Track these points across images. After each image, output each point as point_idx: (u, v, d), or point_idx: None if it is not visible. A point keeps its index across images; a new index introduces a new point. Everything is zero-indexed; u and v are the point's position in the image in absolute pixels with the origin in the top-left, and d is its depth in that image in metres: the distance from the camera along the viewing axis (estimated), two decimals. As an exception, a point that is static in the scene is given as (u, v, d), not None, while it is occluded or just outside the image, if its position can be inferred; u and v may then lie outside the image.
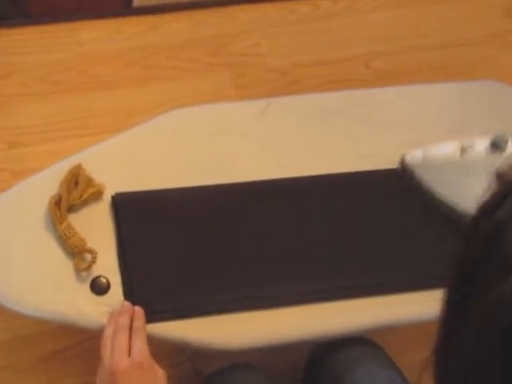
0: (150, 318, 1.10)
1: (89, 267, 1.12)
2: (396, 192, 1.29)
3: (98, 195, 1.19)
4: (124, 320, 1.07)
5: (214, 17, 2.17)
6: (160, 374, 1.04)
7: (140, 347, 1.03)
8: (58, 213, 1.15)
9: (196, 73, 2.05)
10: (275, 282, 1.18)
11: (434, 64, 2.18)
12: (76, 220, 1.16)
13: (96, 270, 1.13)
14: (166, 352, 1.47)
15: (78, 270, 1.13)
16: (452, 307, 0.59)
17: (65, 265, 1.14)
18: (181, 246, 1.19)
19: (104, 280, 1.13)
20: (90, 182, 1.18)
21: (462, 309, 0.56)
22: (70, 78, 1.97)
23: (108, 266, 1.15)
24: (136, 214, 1.21)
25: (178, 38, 2.11)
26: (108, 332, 1.06)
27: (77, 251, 1.13)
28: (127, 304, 1.10)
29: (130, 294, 1.13)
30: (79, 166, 1.19)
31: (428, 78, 1.50)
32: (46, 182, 1.19)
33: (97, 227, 1.18)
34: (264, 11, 2.20)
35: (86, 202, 1.18)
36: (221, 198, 1.25)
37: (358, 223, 1.25)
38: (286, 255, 1.21)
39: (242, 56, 2.10)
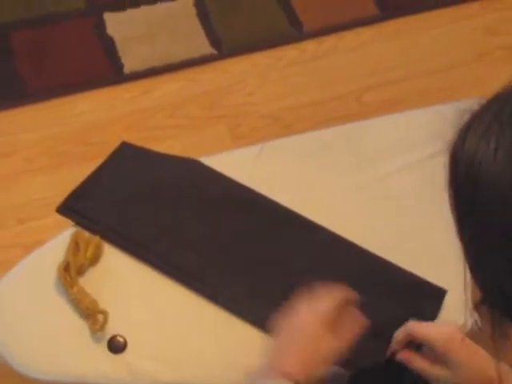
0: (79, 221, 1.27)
1: (101, 328, 1.14)
2: None
3: (98, 250, 1.23)
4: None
5: (205, 72, 2.21)
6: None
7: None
8: (68, 278, 1.18)
9: (194, 129, 2.09)
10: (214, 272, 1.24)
11: (425, 90, 2.20)
12: (86, 282, 1.19)
13: (111, 329, 1.16)
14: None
15: (92, 332, 1.15)
16: (465, 240, 0.68)
17: (80, 328, 1.16)
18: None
19: (121, 339, 1.16)
20: (89, 239, 1.23)
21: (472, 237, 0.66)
22: (72, 148, 2.02)
23: (122, 324, 1.17)
24: (127, 162, 1.37)
25: (172, 98, 2.15)
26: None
27: (90, 313, 1.15)
28: None
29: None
30: (78, 230, 1.24)
31: (421, 104, 1.52)
32: (53, 251, 1.23)
33: (106, 286, 1.21)
34: (253, 61, 2.24)
35: (91, 262, 1.22)
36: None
37: None
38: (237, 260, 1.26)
39: (236, 106, 2.14)
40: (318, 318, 1.05)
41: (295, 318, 1.06)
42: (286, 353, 1.03)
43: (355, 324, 1.09)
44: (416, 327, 1.09)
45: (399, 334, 1.11)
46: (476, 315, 1.19)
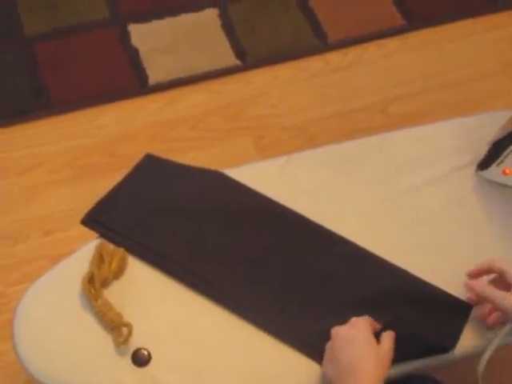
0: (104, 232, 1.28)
1: (125, 341, 1.14)
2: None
3: (123, 262, 1.24)
4: None
5: (228, 84, 2.21)
6: (371, 336, 1.10)
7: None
8: (92, 290, 1.18)
9: (217, 140, 2.09)
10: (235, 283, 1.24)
11: (450, 101, 2.19)
12: (110, 294, 1.19)
13: (135, 342, 1.16)
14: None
15: (117, 344, 1.15)
16: None
17: (104, 340, 1.16)
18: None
19: (145, 352, 1.16)
20: (113, 252, 1.23)
21: None
22: (96, 160, 2.03)
23: (146, 337, 1.17)
24: (151, 174, 1.38)
25: (196, 110, 2.15)
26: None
27: (114, 326, 1.15)
28: None
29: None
30: (102, 242, 1.24)
31: (446, 116, 1.51)
32: (78, 263, 1.23)
33: (131, 298, 1.21)
34: (277, 72, 2.24)
35: (116, 274, 1.22)
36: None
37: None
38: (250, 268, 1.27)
39: (259, 118, 2.14)
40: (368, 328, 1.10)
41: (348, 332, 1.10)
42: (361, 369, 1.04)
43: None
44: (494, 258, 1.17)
45: (477, 265, 1.20)
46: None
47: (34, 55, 2.23)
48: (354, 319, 1.13)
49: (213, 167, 1.38)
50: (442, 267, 1.27)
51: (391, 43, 2.34)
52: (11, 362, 1.63)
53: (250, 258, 1.27)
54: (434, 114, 2.14)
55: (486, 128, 1.41)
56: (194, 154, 2.05)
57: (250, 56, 2.28)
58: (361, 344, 1.07)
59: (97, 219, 1.30)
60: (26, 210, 1.93)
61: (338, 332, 1.11)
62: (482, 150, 1.38)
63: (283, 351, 1.18)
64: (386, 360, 1.08)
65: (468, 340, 1.20)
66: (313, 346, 1.17)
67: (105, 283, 1.20)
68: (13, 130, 2.08)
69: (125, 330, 1.15)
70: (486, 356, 1.16)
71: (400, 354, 1.12)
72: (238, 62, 2.26)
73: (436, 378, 1.22)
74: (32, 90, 2.15)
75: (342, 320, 1.15)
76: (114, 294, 1.20)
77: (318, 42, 2.33)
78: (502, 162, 1.34)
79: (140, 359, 1.15)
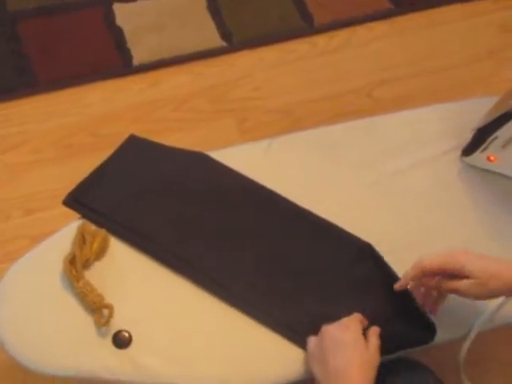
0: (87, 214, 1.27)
1: (107, 322, 1.14)
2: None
3: (105, 243, 1.23)
4: None
5: (213, 66, 2.20)
6: (361, 338, 1.08)
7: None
8: (73, 271, 1.17)
9: (201, 122, 2.09)
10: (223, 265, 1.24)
11: (436, 86, 2.19)
12: (92, 276, 1.18)
13: (116, 324, 1.15)
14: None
15: (98, 326, 1.14)
16: None
17: (85, 322, 1.16)
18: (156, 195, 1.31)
19: (126, 334, 1.15)
20: (95, 233, 1.22)
21: None
22: (81, 139, 2.01)
23: (127, 318, 1.16)
24: (135, 155, 1.37)
25: (180, 91, 2.14)
26: None
27: (95, 307, 1.14)
28: None
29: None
30: (84, 223, 1.23)
31: (432, 101, 1.51)
32: (59, 244, 1.22)
33: (112, 280, 1.20)
34: (262, 55, 2.23)
35: (97, 255, 1.21)
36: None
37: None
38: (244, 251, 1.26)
39: (244, 101, 2.13)
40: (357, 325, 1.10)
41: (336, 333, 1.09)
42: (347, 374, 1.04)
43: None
44: (425, 258, 1.13)
45: (410, 270, 1.14)
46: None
47: (18, 33, 2.20)
48: (345, 320, 1.11)
49: (196, 149, 1.38)
50: (426, 251, 1.26)
51: (379, 27, 2.33)
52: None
53: (232, 240, 1.27)
54: (421, 98, 2.14)
55: (471, 114, 1.41)
56: (177, 135, 2.04)
57: (236, 38, 2.27)
58: (350, 348, 1.06)
59: (79, 199, 1.29)
60: (8, 188, 1.92)
61: (328, 330, 1.09)
62: (467, 136, 1.38)
63: (268, 336, 1.18)
64: (375, 359, 1.07)
65: (447, 328, 1.20)
66: (294, 329, 1.17)
67: (86, 264, 1.20)
68: (-4, 109, 2.06)
69: (106, 312, 1.14)
70: (467, 343, 1.16)
71: (385, 349, 1.11)
72: (224, 44, 2.25)
73: (421, 362, 1.22)
74: (16, 68, 2.13)
75: (323, 303, 1.16)
76: (95, 275, 1.19)
77: (305, 24, 2.31)
78: (486, 148, 1.34)
79: (121, 341, 1.14)
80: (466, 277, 1.08)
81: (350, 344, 1.06)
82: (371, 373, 1.05)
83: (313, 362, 1.09)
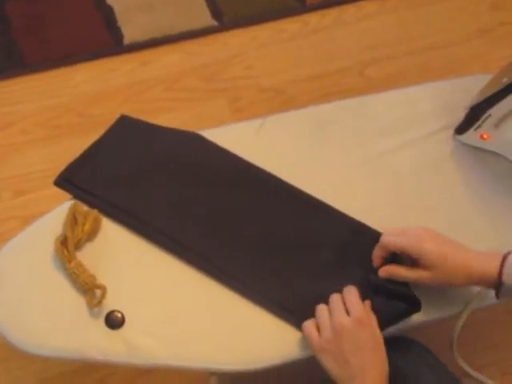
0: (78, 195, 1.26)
1: (99, 303, 1.13)
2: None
3: (96, 224, 1.22)
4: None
5: (204, 45, 2.19)
6: (378, 330, 1.09)
7: (355, 304, 1.10)
8: (65, 252, 1.16)
9: (193, 101, 2.08)
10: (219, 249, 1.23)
11: (427, 66, 2.18)
12: (84, 256, 1.18)
13: (109, 305, 1.15)
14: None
15: (90, 307, 1.14)
16: None
17: (78, 302, 1.15)
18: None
19: (119, 314, 1.14)
20: (87, 213, 1.21)
21: None
22: (70, 120, 2.00)
23: (120, 299, 1.16)
24: (126, 135, 1.36)
25: (171, 70, 2.13)
26: (320, 305, 1.12)
27: (87, 288, 1.14)
28: None
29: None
30: (76, 203, 1.22)
31: (423, 80, 1.51)
32: (51, 225, 1.21)
33: (104, 260, 1.20)
34: (253, 33, 2.22)
35: (89, 236, 1.20)
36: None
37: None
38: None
39: (235, 80, 2.12)
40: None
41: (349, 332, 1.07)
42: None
43: None
44: (387, 239, 1.14)
45: (376, 250, 1.17)
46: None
47: (6, 12, 2.18)
48: (356, 312, 1.08)
49: (188, 128, 1.37)
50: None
51: (370, 5, 2.32)
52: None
53: (225, 219, 1.26)
54: (413, 77, 2.14)
55: (463, 92, 1.41)
56: (168, 115, 2.03)
57: (227, 16, 2.25)
58: (370, 348, 1.06)
59: (70, 180, 1.28)
60: (-2, 169, 1.91)
61: (343, 324, 1.07)
62: (460, 115, 1.38)
63: (262, 316, 1.17)
64: (381, 339, 1.09)
65: (440, 305, 1.20)
66: (288, 308, 1.17)
67: (78, 245, 1.19)
68: (-16, 89, 2.05)
69: (98, 293, 1.14)
70: (460, 322, 1.17)
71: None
72: (215, 23, 2.24)
73: (416, 340, 1.23)
74: (4, 49, 2.12)
75: (319, 282, 1.17)
76: (87, 255, 1.18)
77: (296, 3, 2.30)
78: (479, 126, 1.34)
79: (113, 321, 1.14)
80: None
81: (371, 345, 1.06)
82: (386, 365, 1.06)
83: (326, 358, 1.07)
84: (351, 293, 1.12)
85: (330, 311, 1.10)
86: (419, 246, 1.10)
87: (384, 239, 1.15)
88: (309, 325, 1.11)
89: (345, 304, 1.10)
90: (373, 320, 1.10)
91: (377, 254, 1.17)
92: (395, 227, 1.16)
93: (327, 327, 1.08)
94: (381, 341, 1.08)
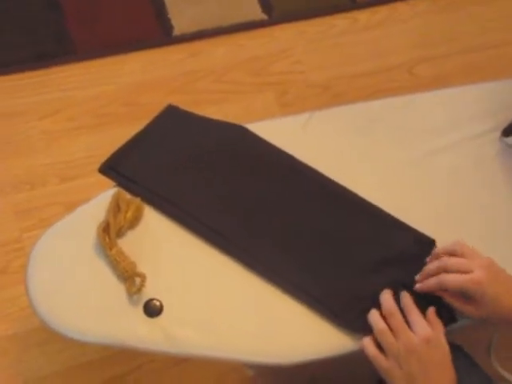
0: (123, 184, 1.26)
1: (138, 291, 1.14)
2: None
3: (139, 212, 1.22)
4: (390, 303, 1.11)
5: (253, 39, 2.19)
6: (446, 347, 1.07)
7: (419, 322, 1.08)
8: (107, 239, 1.17)
9: (241, 94, 2.08)
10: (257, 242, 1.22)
11: (478, 66, 2.16)
12: (125, 244, 1.18)
13: (148, 293, 1.15)
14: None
15: (129, 294, 1.14)
16: None
17: (117, 289, 1.16)
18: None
19: (157, 303, 1.15)
20: (130, 201, 1.22)
21: None
22: (117, 109, 2.01)
23: (159, 287, 1.16)
24: (172, 125, 1.36)
25: (220, 62, 2.13)
26: (379, 323, 1.10)
27: (127, 275, 1.14)
28: (387, 291, 1.14)
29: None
30: (119, 191, 1.23)
31: (472, 80, 1.50)
32: (94, 211, 1.22)
33: (145, 249, 1.20)
34: (302, 28, 2.22)
35: (131, 224, 1.21)
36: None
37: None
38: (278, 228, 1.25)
39: (284, 74, 2.12)
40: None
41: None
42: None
43: None
44: (448, 279, 1.10)
45: (430, 283, 1.13)
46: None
47: (59, 1, 2.20)
48: (424, 332, 1.06)
49: (234, 121, 1.37)
50: (465, 231, 1.25)
51: (421, 3, 2.31)
52: (24, 306, 1.63)
53: (268, 214, 1.26)
54: (461, 76, 2.12)
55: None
56: (216, 106, 2.03)
57: (277, 11, 2.25)
58: (439, 366, 1.05)
59: (115, 168, 1.29)
60: (45, 155, 1.92)
61: (412, 345, 1.06)
62: (508, 116, 1.36)
63: (300, 310, 1.17)
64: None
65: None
66: (328, 304, 1.17)
67: (120, 232, 1.19)
68: (35, 75, 2.05)
69: (138, 280, 1.14)
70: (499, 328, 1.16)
71: None
72: (264, 17, 2.23)
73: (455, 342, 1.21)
74: (55, 35, 2.13)
75: (361, 281, 1.17)
76: (128, 243, 1.19)
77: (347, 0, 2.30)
78: (527, 129, 1.32)
79: (152, 310, 1.14)
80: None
81: (440, 366, 1.05)
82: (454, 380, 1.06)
83: (394, 379, 1.06)
84: (412, 310, 1.10)
85: (392, 329, 1.09)
86: (479, 291, 1.08)
87: (444, 278, 1.11)
88: (370, 345, 1.09)
89: (404, 317, 1.10)
90: (440, 330, 1.09)
91: (430, 285, 1.14)
92: (457, 259, 1.13)
93: (394, 350, 1.06)
94: (448, 355, 1.06)
